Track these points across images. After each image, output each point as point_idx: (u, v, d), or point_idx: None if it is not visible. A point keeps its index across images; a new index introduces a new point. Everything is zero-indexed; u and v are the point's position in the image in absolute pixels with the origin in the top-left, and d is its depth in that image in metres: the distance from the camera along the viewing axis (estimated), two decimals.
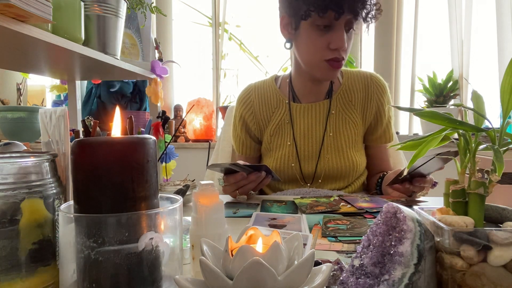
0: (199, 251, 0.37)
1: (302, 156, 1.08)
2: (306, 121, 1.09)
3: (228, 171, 0.92)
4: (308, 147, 1.08)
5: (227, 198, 0.98)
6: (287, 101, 1.11)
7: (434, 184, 0.88)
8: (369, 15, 0.94)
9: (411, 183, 0.87)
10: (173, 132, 2.32)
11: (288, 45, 1.04)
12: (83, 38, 1.04)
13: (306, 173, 1.08)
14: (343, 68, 1.08)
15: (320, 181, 1.08)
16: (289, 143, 1.09)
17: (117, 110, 0.41)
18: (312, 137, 1.08)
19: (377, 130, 1.12)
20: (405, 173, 0.86)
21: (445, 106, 2.18)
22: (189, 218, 0.59)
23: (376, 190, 1.07)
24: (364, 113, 1.10)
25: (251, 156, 1.19)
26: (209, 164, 0.95)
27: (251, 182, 0.90)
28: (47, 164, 0.43)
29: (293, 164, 1.07)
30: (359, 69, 1.17)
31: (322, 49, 0.96)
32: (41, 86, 2.57)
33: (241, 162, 0.93)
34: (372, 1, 0.94)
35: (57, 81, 1.88)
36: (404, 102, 2.42)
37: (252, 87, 1.16)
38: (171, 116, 2.56)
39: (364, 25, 0.97)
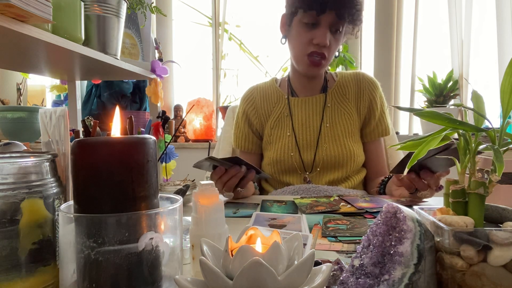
0: (199, 251, 0.37)
1: (301, 145, 1.13)
2: (304, 112, 1.16)
3: (214, 168, 0.92)
4: (306, 137, 1.13)
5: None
6: (286, 96, 1.19)
7: (440, 188, 0.87)
8: (354, 17, 1.03)
9: (418, 176, 0.85)
10: (173, 132, 2.32)
11: (283, 40, 1.15)
12: (83, 38, 1.03)
13: (306, 162, 1.12)
14: (337, 71, 1.22)
15: (318, 169, 1.11)
16: (288, 133, 1.15)
17: (117, 110, 0.41)
18: (310, 127, 1.14)
19: (371, 123, 1.17)
20: (405, 173, 0.85)
21: (445, 106, 2.18)
22: (189, 218, 0.59)
23: (379, 188, 1.07)
24: (358, 106, 1.16)
25: (253, 152, 1.22)
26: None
27: (232, 177, 0.91)
28: (47, 164, 0.43)
29: (292, 153, 1.12)
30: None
31: (306, 44, 1.05)
32: (41, 86, 2.57)
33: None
34: (356, 4, 1.02)
35: (57, 81, 1.88)
36: (404, 102, 2.42)
37: (254, 87, 1.26)
38: (171, 116, 2.56)
39: (355, 29, 1.07)
